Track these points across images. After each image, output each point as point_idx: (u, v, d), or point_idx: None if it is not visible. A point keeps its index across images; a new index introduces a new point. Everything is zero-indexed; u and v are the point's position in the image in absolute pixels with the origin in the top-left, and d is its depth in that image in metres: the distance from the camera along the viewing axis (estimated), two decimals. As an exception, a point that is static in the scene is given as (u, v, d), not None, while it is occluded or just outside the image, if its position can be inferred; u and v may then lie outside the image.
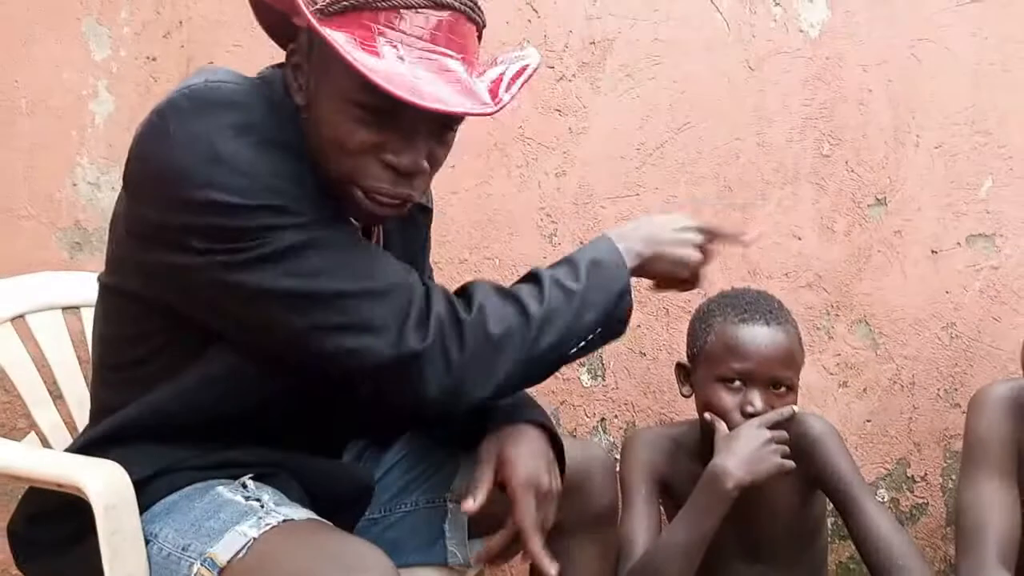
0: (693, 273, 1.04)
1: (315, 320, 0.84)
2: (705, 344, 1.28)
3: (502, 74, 0.90)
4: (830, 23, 1.60)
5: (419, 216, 1.13)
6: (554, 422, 1.65)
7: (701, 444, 1.30)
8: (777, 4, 1.60)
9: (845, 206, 1.63)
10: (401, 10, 0.82)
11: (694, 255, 1.03)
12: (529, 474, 0.94)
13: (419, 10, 0.82)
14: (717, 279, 1.63)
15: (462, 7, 0.85)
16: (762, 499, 1.28)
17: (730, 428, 1.22)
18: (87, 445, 0.96)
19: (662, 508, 1.41)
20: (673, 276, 1.04)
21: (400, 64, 0.80)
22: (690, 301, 1.63)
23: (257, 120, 0.84)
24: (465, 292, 0.91)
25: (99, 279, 0.98)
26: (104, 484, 0.82)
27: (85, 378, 1.29)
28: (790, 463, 1.20)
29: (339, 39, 0.78)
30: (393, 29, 0.81)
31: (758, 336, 1.24)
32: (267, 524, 0.83)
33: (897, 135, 1.62)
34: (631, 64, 1.61)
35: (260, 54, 1.58)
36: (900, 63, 1.61)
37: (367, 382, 0.87)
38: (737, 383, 1.24)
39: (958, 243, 1.63)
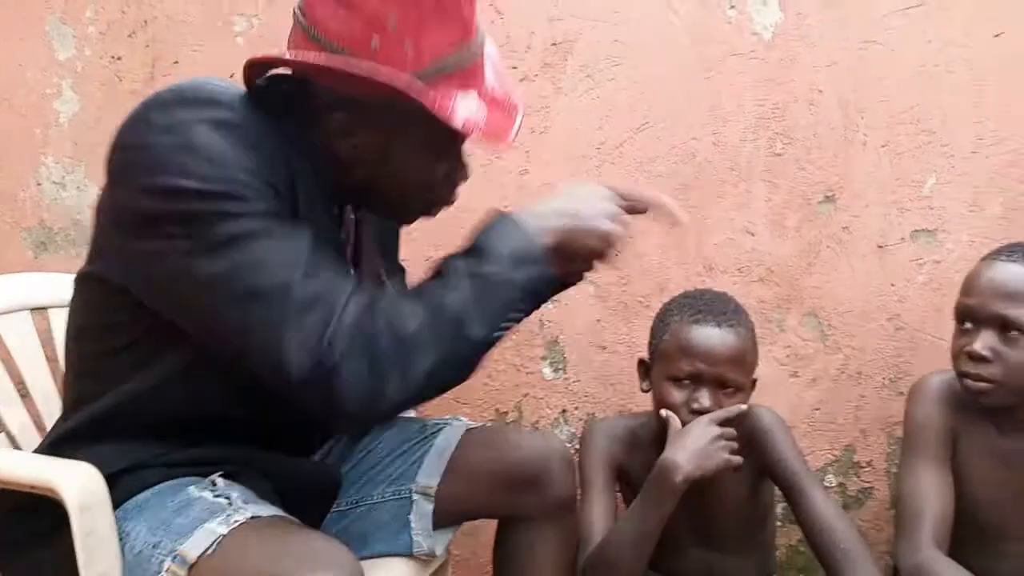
0: (611, 247, 0.99)
1: (246, 314, 0.84)
2: (661, 343, 1.33)
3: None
4: (782, 26, 1.63)
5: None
6: (518, 415, 1.70)
7: (658, 435, 1.35)
8: (732, 7, 1.63)
9: (796, 203, 1.67)
10: (471, 69, 0.93)
11: (612, 228, 0.98)
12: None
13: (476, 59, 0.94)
14: (673, 274, 1.68)
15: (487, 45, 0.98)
16: (714, 488, 1.32)
17: (682, 424, 1.27)
18: (58, 441, 0.98)
19: (621, 495, 1.46)
20: (591, 252, 0.99)
21: (478, 107, 0.92)
22: (649, 296, 1.68)
23: (238, 120, 0.87)
24: (377, 296, 0.90)
25: (79, 271, 1.00)
26: (79, 486, 0.85)
27: (54, 378, 1.32)
28: (737, 459, 1.24)
29: (434, 101, 0.88)
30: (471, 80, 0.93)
31: (709, 338, 1.28)
32: (235, 521, 0.87)
33: (846, 134, 1.65)
34: (591, 65, 1.64)
35: (225, 54, 1.62)
36: (849, 65, 1.64)
37: (285, 390, 0.86)
38: (687, 382, 1.29)
39: (903, 238, 1.67)
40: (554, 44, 1.65)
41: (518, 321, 0.96)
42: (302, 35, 0.90)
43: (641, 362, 1.40)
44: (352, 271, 1.08)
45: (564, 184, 1.06)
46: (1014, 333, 1.22)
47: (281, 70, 0.96)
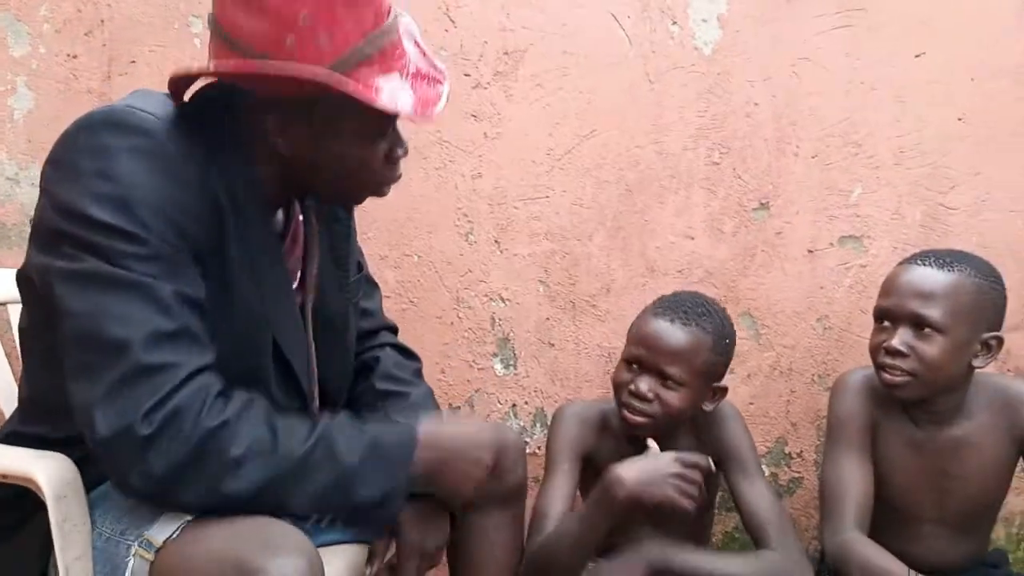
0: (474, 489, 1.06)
1: (83, 354, 0.84)
2: (631, 328, 1.42)
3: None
4: (721, 42, 1.72)
5: (341, 211, 1.20)
6: (470, 409, 1.76)
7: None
8: (674, 23, 1.71)
9: (732, 209, 1.75)
10: (389, 49, 0.94)
11: (480, 476, 1.06)
12: (414, 540, 1.08)
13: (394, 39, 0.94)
14: (617, 276, 1.76)
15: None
16: None
17: (617, 401, 1.37)
18: (14, 435, 1.00)
19: (582, 480, 1.51)
20: (454, 493, 1.06)
21: (401, 85, 0.93)
22: (595, 296, 1.76)
23: (162, 149, 0.88)
24: (227, 395, 0.89)
25: (18, 269, 1.01)
26: (55, 475, 0.88)
27: (12, 371, 1.33)
28: (685, 503, 1.23)
29: (357, 90, 0.89)
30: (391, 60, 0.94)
31: (658, 329, 1.35)
32: None
33: (779, 145, 1.74)
34: (541, 74, 1.71)
35: (183, 55, 1.64)
36: (782, 80, 1.73)
37: (89, 442, 0.84)
38: (635, 366, 1.37)
39: (831, 243, 1.77)
40: (506, 53, 1.70)
41: (329, 513, 0.95)
42: (220, 43, 0.91)
43: None
44: (300, 274, 1.11)
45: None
46: (927, 330, 1.32)
47: (208, 79, 0.98)
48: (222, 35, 0.91)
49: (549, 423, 1.50)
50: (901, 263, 1.42)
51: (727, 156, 1.75)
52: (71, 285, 0.85)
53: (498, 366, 1.76)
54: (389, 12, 0.95)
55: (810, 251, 1.78)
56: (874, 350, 1.39)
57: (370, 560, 1.12)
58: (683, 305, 1.39)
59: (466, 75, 1.69)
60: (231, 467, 0.85)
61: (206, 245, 0.92)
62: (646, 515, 1.41)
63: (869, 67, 1.75)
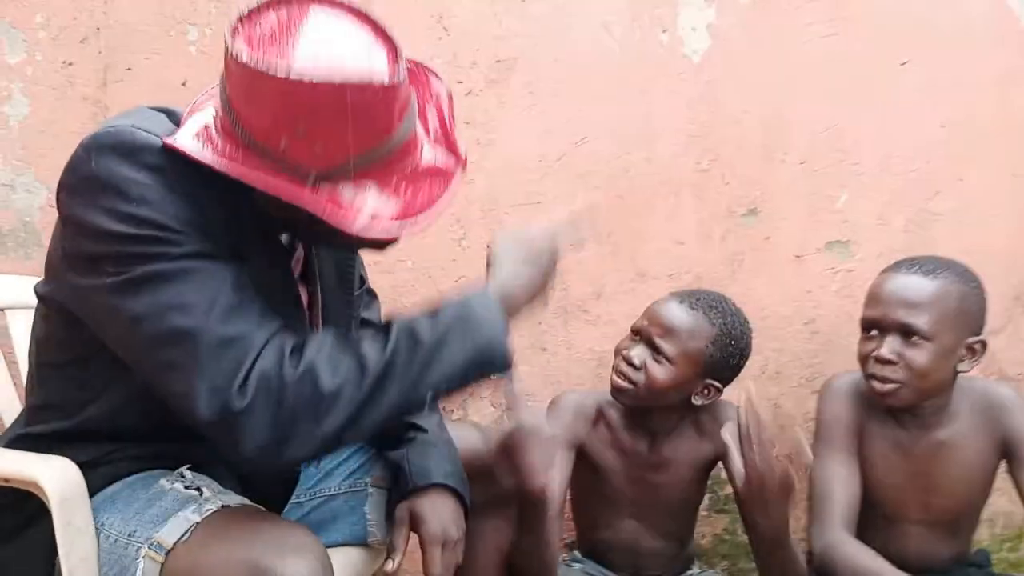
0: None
1: (161, 354, 0.86)
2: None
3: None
4: (711, 50, 1.75)
5: None
6: (462, 414, 1.77)
7: (623, 415, 1.47)
8: (664, 32, 1.74)
9: (721, 215, 1.78)
10: (391, 157, 0.90)
11: (553, 279, 1.06)
12: (435, 530, 1.11)
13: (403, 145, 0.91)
14: (608, 280, 1.78)
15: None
16: (667, 465, 1.46)
17: (613, 368, 1.43)
18: (19, 438, 1.02)
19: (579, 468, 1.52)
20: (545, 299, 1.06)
21: (390, 197, 0.90)
22: (586, 301, 1.78)
23: (171, 165, 0.89)
24: (304, 343, 0.89)
25: (38, 284, 1.03)
26: (58, 478, 0.90)
27: (11, 376, 1.34)
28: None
29: (325, 208, 0.86)
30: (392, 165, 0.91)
31: (665, 306, 1.43)
32: (207, 509, 0.91)
33: (767, 152, 1.78)
34: (533, 82, 1.73)
35: (178, 63, 1.65)
36: (771, 88, 1.76)
37: (198, 429, 0.87)
38: (636, 337, 1.44)
39: (818, 249, 1.80)
40: (498, 61, 1.73)
41: (461, 388, 0.96)
42: (224, 104, 0.90)
43: None
44: (303, 294, 1.11)
45: (503, 236, 1.08)
46: (916, 338, 1.35)
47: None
48: (225, 97, 0.89)
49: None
50: (884, 271, 1.44)
51: (716, 163, 1.78)
52: (124, 295, 0.86)
53: (491, 370, 1.78)
54: (398, 119, 0.89)
55: (798, 256, 1.81)
56: (863, 360, 1.42)
57: (390, 555, 1.14)
58: (699, 294, 1.45)
59: (459, 82, 1.71)
60: (330, 403, 0.86)
61: (227, 252, 0.92)
62: (629, 502, 1.45)
63: (855, 75, 1.78)
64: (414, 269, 1.74)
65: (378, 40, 0.88)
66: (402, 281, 1.73)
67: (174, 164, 0.89)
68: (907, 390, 1.37)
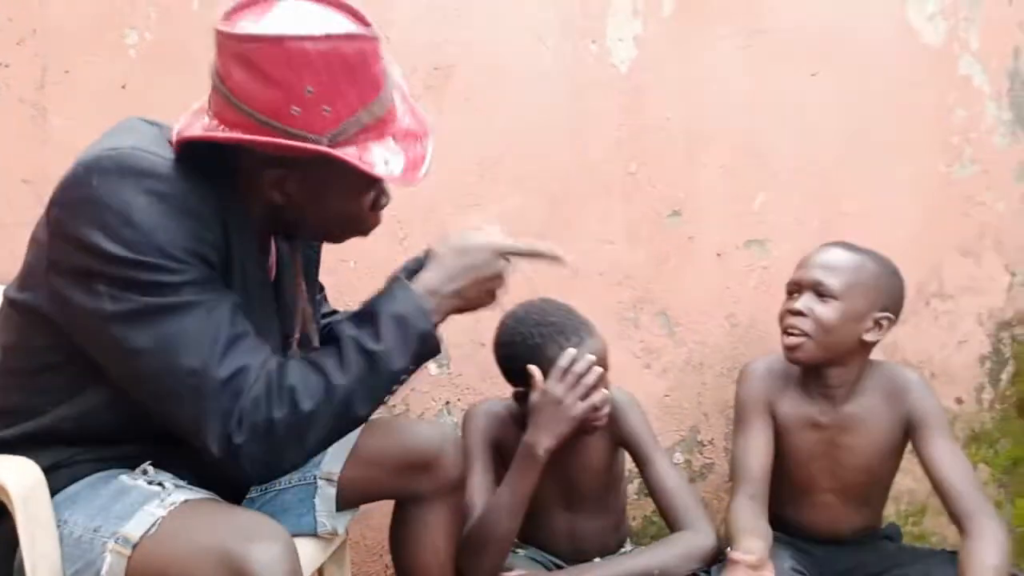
0: (498, 296, 1.19)
1: (169, 387, 0.93)
2: None
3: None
4: (637, 60, 1.83)
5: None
6: (406, 408, 1.83)
7: (521, 415, 1.53)
8: (593, 42, 1.82)
9: (648, 216, 1.87)
10: (384, 116, 0.99)
11: (499, 286, 1.16)
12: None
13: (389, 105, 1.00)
14: (543, 279, 1.85)
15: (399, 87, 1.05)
16: (576, 456, 1.52)
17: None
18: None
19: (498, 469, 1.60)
20: (481, 303, 1.17)
21: (394, 150, 1.00)
22: (522, 298, 1.84)
23: (173, 190, 0.93)
24: (283, 369, 0.98)
25: (7, 291, 1.04)
26: (19, 477, 0.93)
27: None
28: (601, 415, 1.41)
29: (352, 157, 0.95)
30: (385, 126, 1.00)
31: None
32: (171, 503, 0.95)
33: (690, 157, 1.87)
34: (470, 89, 1.79)
35: (116, 66, 1.66)
36: (692, 96, 1.85)
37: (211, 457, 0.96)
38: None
39: (737, 247, 1.90)
40: (436, 68, 1.78)
41: (403, 383, 1.08)
42: (223, 101, 0.94)
43: None
44: (275, 297, 1.17)
45: (454, 234, 1.17)
46: (826, 297, 1.48)
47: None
48: (225, 94, 0.94)
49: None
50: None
51: (643, 167, 1.86)
52: (129, 326, 0.91)
53: (432, 366, 1.83)
54: (384, 76, 0.99)
55: (719, 254, 1.91)
56: (781, 317, 1.55)
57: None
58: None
59: (398, 88, 1.76)
60: (311, 423, 0.98)
61: (220, 272, 0.99)
62: (558, 496, 1.53)
63: (770, 85, 1.89)
64: (357, 269, 1.78)
65: (347, 11, 0.97)
66: (345, 281, 1.77)
67: (175, 186, 0.93)
68: (812, 344, 1.48)
